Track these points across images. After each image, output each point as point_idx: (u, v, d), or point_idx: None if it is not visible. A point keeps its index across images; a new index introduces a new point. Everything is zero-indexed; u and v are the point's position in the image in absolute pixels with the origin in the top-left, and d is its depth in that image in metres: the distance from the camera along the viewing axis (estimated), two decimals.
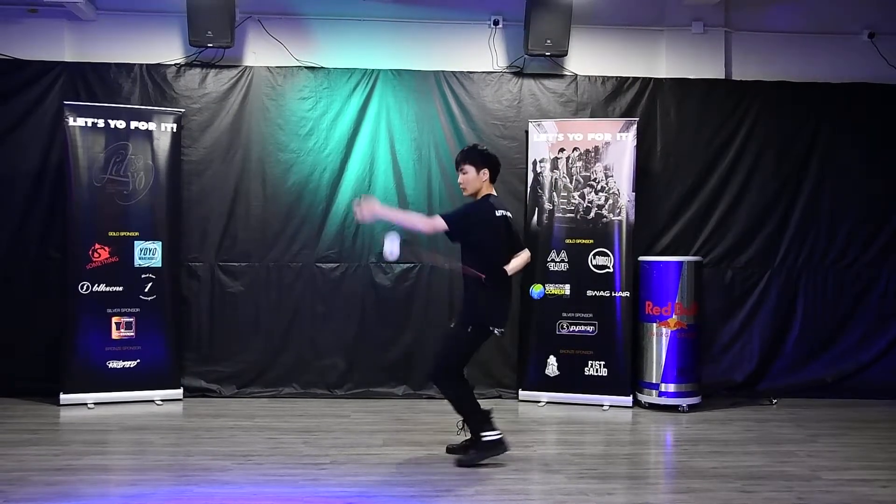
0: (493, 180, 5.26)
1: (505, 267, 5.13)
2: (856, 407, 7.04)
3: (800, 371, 7.48)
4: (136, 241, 6.80)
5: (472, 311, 5.13)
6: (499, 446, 5.10)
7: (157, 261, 6.86)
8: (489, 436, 5.08)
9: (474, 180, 5.20)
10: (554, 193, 7.12)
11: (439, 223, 5.05)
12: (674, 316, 6.82)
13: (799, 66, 7.60)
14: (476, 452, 5.11)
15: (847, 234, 7.55)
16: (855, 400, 7.24)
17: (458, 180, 5.28)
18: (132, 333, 6.77)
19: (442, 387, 5.20)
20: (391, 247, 5.01)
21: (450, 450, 5.31)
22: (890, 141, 7.54)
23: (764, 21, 7.63)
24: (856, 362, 7.48)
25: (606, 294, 6.97)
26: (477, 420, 5.11)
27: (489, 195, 5.24)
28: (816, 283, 7.54)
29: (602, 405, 6.83)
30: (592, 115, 7.38)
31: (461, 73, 7.41)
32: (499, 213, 5.19)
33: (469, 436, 5.19)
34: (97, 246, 6.69)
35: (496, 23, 7.43)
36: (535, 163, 7.19)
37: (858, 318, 7.53)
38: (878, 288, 7.55)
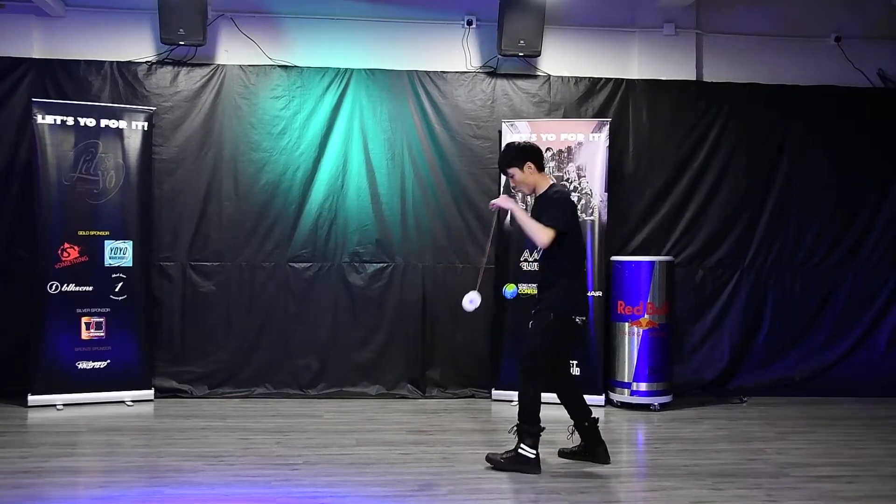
0: (541, 168, 5.15)
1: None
2: (823, 405, 7.15)
3: (769, 369, 7.57)
4: (106, 241, 6.73)
5: (555, 298, 5.01)
6: (530, 464, 4.96)
7: (127, 260, 6.79)
8: (526, 451, 4.98)
9: (525, 179, 5.09)
10: None
11: (550, 236, 4.92)
12: (646, 315, 6.87)
13: (768, 68, 7.70)
14: (508, 460, 5.00)
15: (815, 235, 7.66)
16: (822, 398, 7.35)
17: (511, 185, 5.26)
18: (102, 334, 6.70)
19: (522, 384, 5.06)
20: (472, 299, 5.29)
21: (562, 454, 5.27)
22: (857, 143, 7.66)
23: (734, 24, 7.72)
24: (823, 361, 7.60)
25: None
26: (526, 431, 5.00)
27: (553, 184, 5.17)
28: (785, 282, 7.64)
29: None
30: (565, 116, 7.42)
31: (435, 72, 7.41)
32: (573, 197, 5.26)
33: (581, 441, 5.23)
34: (66, 245, 6.61)
35: (470, 23, 7.45)
36: None
37: (825, 318, 7.65)
38: (844, 288, 7.67)
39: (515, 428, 5.05)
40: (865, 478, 5.00)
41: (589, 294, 5.36)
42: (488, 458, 5.07)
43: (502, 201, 5.25)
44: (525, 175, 5.09)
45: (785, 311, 7.62)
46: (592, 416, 5.22)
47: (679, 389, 7.19)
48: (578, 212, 6.99)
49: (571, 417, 5.22)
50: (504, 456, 5.04)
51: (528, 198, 6.79)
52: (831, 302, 7.66)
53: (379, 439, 5.77)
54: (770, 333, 7.60)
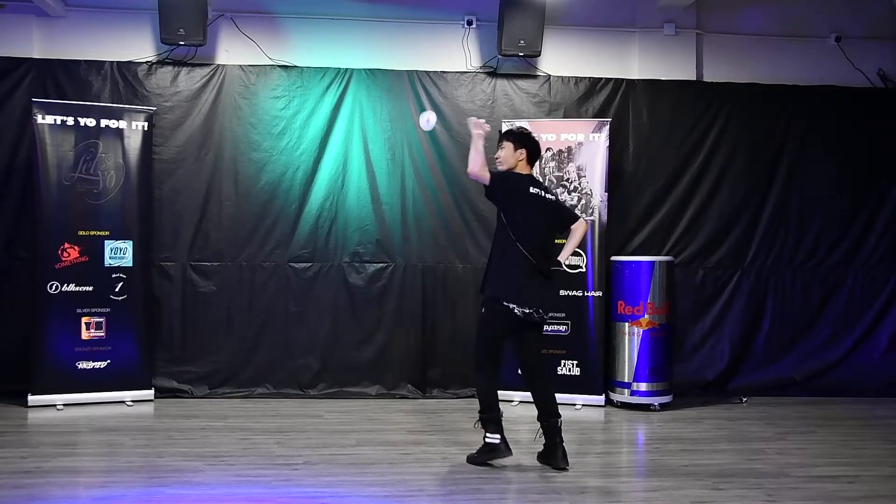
0: (530, 163, 5.25)
1: (559, 257, 5.22)
2: (823, 405, 7.15)
3: (769, 369, 7.57)
4: (106, 241, 6.73)
5: (486, 285, 5.10)
6: (498, 450, 5.06)
7: (127, 260, 6.79)
8: (490, 438, 5.07)
9: (509, 157, 5.21)
10: None
11: (485, 175, 5.03)
12: (646, 315, 6.87)
13: (769, 68, 7.70)
14: (480, 452, 5.12)
15: (815, 234, 7.67)
16: (823, 398, 7.35)
17: (495, 155, 5.31)
18: (102, 334, 6.70)
19: (474, 377, 5.27)
20: (429, 118, 5.42)
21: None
22: (857, 143, 7.67)
23: (734, 24, 7.72)
24: (823, 361, 7.60)
25: (579, 294, 7.01)
26: (485, 419, 5.09)
27: (526, 174, 5.25)
28: (785, 283, 7.65)
29: (575, 404, 6.87)
30: (565, 116, 7.42)
31: (435, 72, 7.41)
32: (533, 189, 5.15)
33: (544, 439, 5.14)
34: (67, 245, 6.61)
35: (470, 23, 7.45)
36: None
37: (826, 318, 7.66)
38: (844, 288, 7.67)
39: (479, 421, 5.13)
40: (866, 478, 5.00)
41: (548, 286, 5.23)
42: (468, 460, 5.13)
43: (475, 127, 5.13)
44: (513, 155, 5.20)
45: (785, 311, 7.63)
46: (553, 418, 5.07)
47: (679, 389, 7.18)
48: (579, 208, 7.02)
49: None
50: (476, 451, 5.14)
51: None
52: (832, 302, 7.66)
53: (379, 439, 5.77)
54: (770, 333, 7.60)
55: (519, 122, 7.16)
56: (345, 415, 6.55)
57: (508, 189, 5.13)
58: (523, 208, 5.10)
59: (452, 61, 7.47)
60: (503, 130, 5.45)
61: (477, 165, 5.03)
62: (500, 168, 5.28)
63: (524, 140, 5.24)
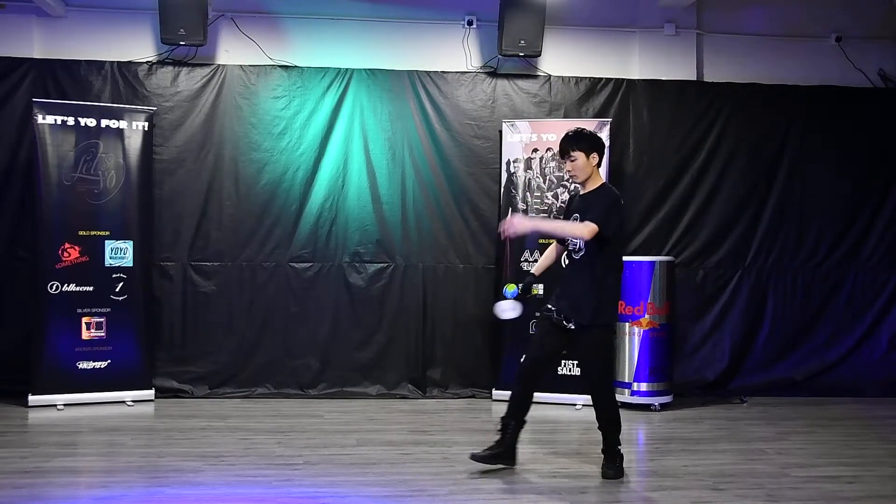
0: (599, 165, 4.91)
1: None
2: (824, 405, 7.15)
3: (770, 370, 7.57)
4: (106, 241, 6.73)
5: (607, 309, 4.87)
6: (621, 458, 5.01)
7: (128, 260, 6.79)
8: (621, 448, 5.00)
9: (585, 166, 4.83)
10: (527, 193, 7.15)
11: (592, 229, 4.63)
12: (646, 315, 6.87)
13: (769, 68, 7.70)
14: (619, 464, 4.97)
15: (816, 234, 7.67)
16: (823, 398, 7.35)
17: (567, 168, 4.91)
18: (103, 334, 6.70)
19: (606, 398, 5.00)
20: (508, 309, 4.98)
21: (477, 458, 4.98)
22: (857, 142, 7.67)
23: (735, 24, 7.72)
24: (824, 361, 7.60)
25: None
26: (618, 433, 4.99)
27: (605, 183, 4.95)
28: (786, 282, 7.65)
29: (575, 404, 6.86)
30: (566, 116, 7.42)
31: (435, 72, 7.41)
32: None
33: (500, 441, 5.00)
34: (67, 245, 6.61)
35: (470, 23, 7.45)
36: (508, 163, 7.21)
37: (826, 318, 7.66)
38: (845, 288, 7.67)
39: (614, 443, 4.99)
40: (866, 478, 5.00)
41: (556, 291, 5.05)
42: (606, 477, 4.94)
43: (519, 224, 4.91)
44: (588, 164, 4.85)
45: (786, 312, 7.63)
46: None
47: (680, 389, 7.18)
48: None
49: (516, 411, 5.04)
50: (617, 465, 4.97)
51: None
52: (832, 302, 7.66)
53: (380, 439, 5.77)
54: (771, 333, 7.60)
55: (519, 122, 7.20)
56: (345, 415, 6.55)
57: (622, 217, 4.86)
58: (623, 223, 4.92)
59: (453, 61, 7.47)
60: (564, 137, 4.90)
61: (578, 230, 4.68)
62: (577, 180, 4.93)
63: (593, 143, 4.86)
